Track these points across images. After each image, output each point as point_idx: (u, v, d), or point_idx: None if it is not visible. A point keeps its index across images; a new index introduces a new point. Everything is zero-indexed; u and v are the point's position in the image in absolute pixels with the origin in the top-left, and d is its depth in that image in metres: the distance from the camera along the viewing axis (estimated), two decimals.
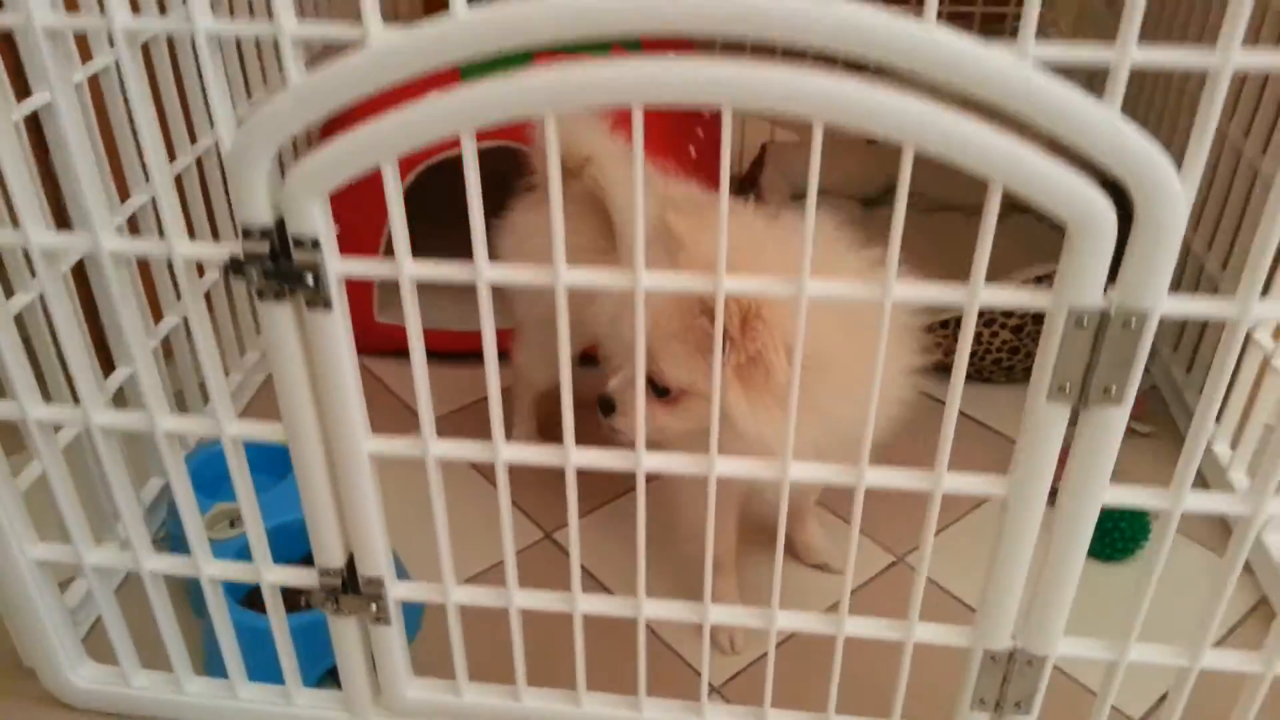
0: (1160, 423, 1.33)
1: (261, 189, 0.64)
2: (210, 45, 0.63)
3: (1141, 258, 0.59)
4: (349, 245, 1.30)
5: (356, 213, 1.40)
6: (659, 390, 0.91)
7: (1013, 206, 1.72)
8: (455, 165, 0.68)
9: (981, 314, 1.31)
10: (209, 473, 1.13)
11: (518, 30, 0.57)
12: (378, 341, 1.46)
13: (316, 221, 0.66)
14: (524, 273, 0.69)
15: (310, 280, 0.67)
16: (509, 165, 1.24)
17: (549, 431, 1.32)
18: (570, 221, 0.75)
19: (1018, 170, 0.59)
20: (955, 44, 0.54)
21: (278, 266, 0.67)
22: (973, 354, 1.39)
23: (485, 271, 0.66)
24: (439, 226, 1.45)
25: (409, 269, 0.68)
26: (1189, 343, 1.36)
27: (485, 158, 0.72)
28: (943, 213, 1.78)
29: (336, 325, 0.69)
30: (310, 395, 0.72)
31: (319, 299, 0.68)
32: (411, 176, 1.36)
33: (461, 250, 0.68)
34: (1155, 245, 0.59)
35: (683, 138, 1.44)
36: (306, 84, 0.60)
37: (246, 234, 0.66)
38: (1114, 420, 0.65)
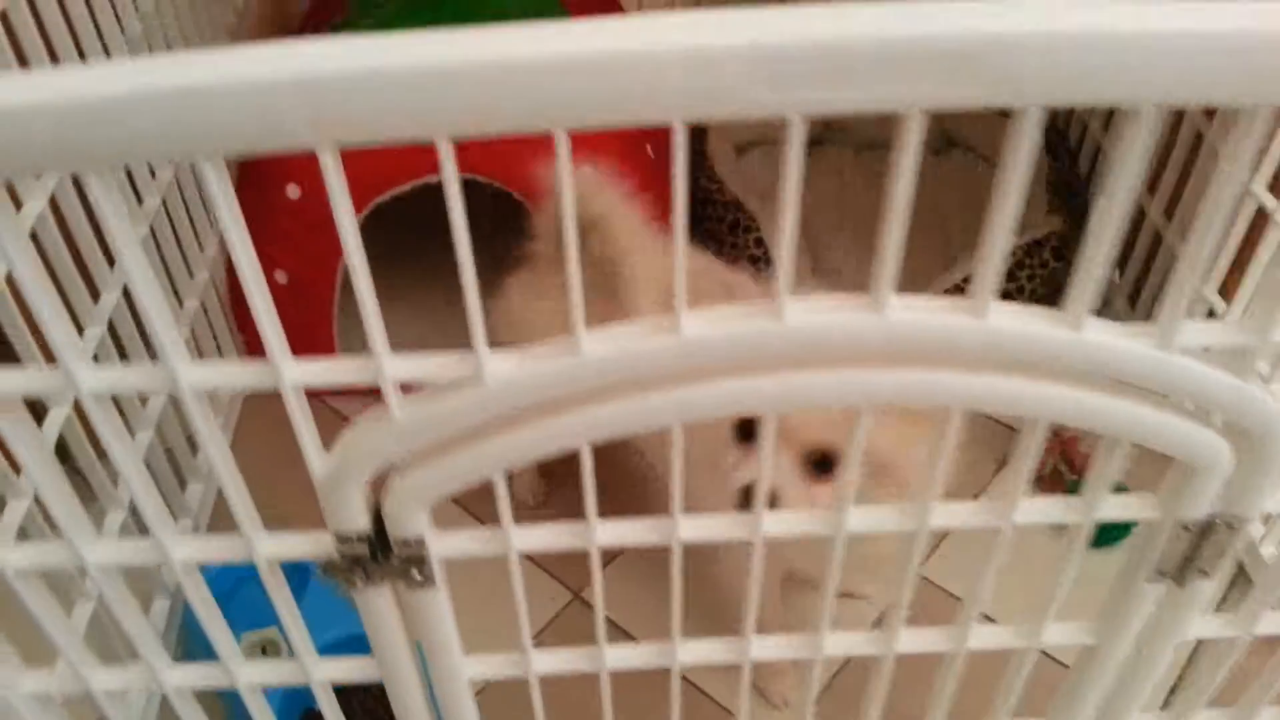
0: None
1: (358, 502, 0.60)
2: None
3: (1248, 481, 0.62)
4: (302, 294, 1.22)
5: (310, 265, 1.31)
6: (821, 466, 0.80)
7: (951, 142, 1.74)
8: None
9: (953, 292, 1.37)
10: (214, 592, 1.09)
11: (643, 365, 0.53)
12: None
13: (422, 525, 0.62)
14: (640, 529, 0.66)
15: (415, 572, 0.64)
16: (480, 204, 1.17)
17: (551, 468, 1.28)
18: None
19: (1142, 428, 0.60)
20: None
21: (378, 564, 0.63)
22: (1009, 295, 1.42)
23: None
24: (399, 257, 1.37)
25: (514, 541, 0.65)
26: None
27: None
28: (879, 149, 1.76)
29: (440, 599, 0.66)
30: (407, 646, 0.70)
31: (422, 584, 0.65)
32: (366, 211, 1.27)
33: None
34: (1262, 474, 0.61)
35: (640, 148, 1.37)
36: (410, 419, 0.56)
37: (342, 539, 0.62)
38: (1203, 588, 0.70)
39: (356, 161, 1.08)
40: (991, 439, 1.34)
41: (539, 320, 1.05)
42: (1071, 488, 1.24)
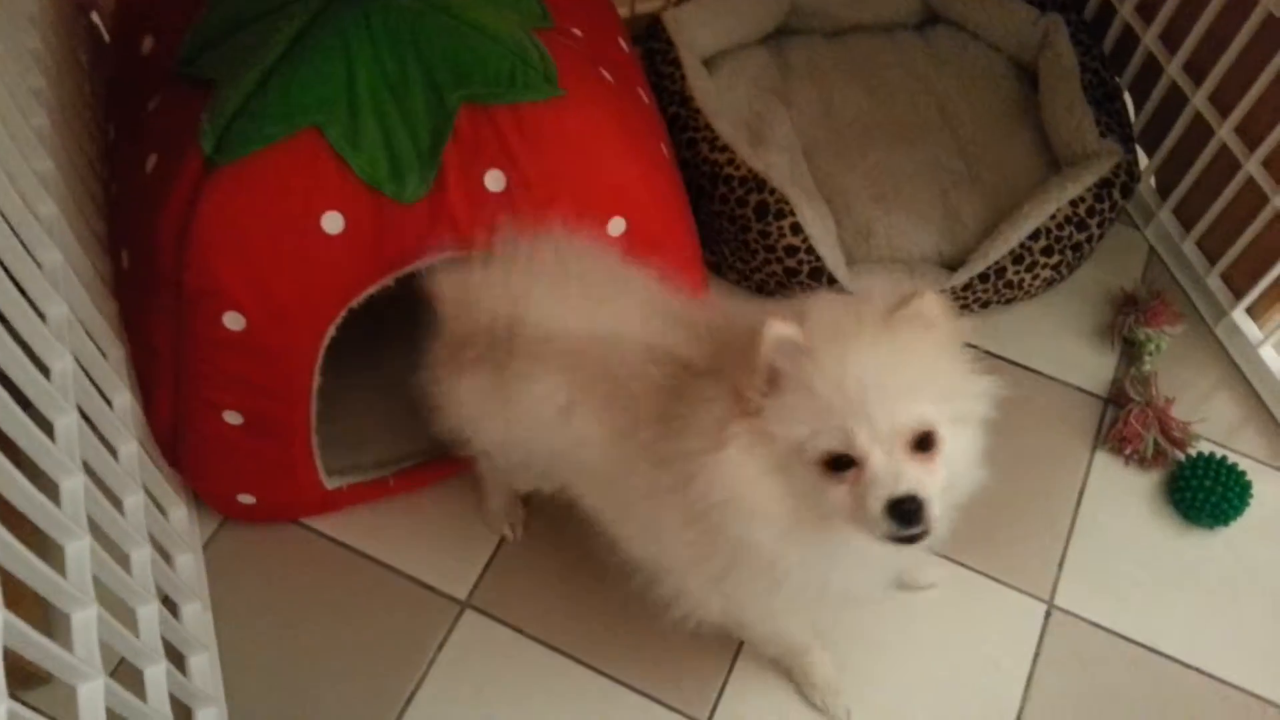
0: (1183, 310, 1.30)
1: None
2: None
3: None
4: (262, 429, 1.00)
5: (269, 398, 1.00)
6: (924, 444, 0.71)
7: (934, 17, 1.47)
8: None
9: (1019, 259, 1.20)
10: None
11: None
12: (329, 507, 1.12)
13: None
14: None
15: None
16: None
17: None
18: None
19: None
20: None
21: None
22: (1013, 298, 1.25)
23: None
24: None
25: None
26: (1190, 200, 1.30)
27: None
28: (857, 32, 1.50)
29: None
30: None
31: None
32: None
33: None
34: None
35: (655, 141, 1.06)
36: None
37: None
38: None
39: (319, 265, 0.89)
40: (1080, 417, 1.22)
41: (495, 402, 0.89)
42: (1187, 475, 1.15)
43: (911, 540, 0.71)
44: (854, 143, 1.36)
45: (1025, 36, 1.39)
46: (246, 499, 1.08)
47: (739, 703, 1.05)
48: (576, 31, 1.05)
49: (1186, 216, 1.32)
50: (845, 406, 0.69)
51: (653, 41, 1.34)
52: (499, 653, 1.08)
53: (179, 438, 1.03)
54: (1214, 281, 1.28)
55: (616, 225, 0.96)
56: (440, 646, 1.08)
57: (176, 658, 1.01)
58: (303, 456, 1.03)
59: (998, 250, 1.20)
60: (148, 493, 1.00)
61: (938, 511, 0.71)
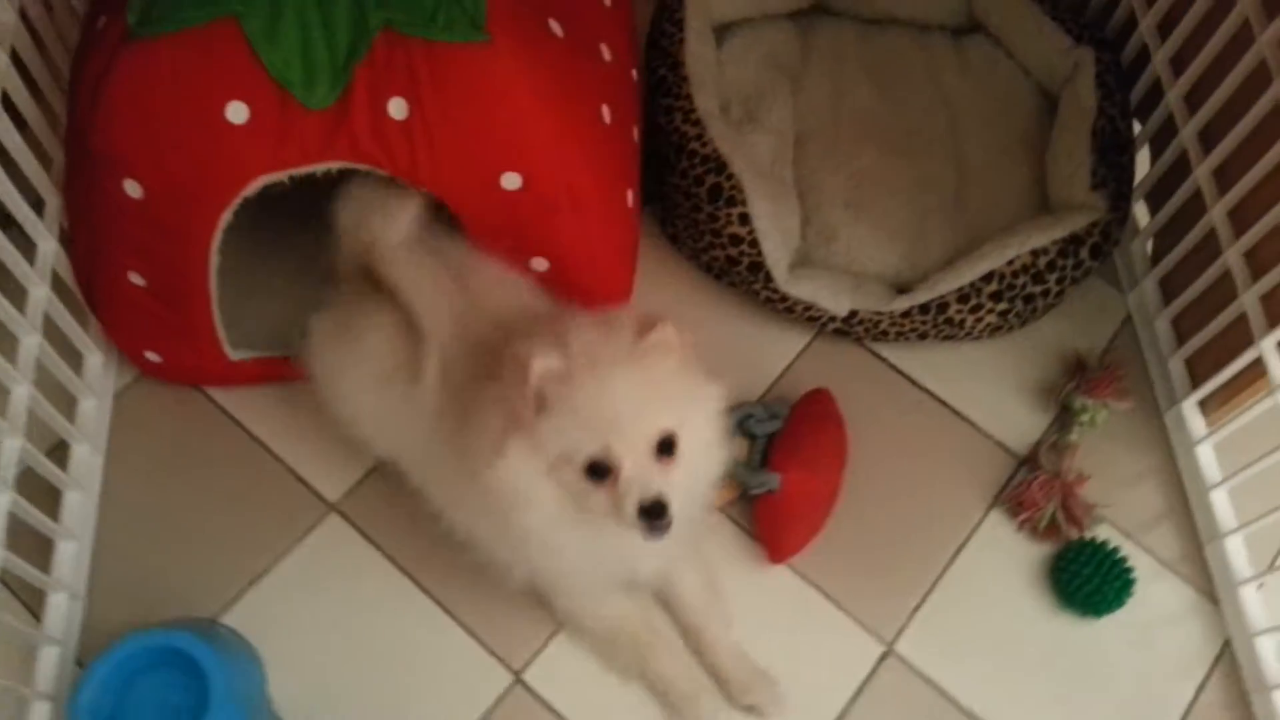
0: (1137, 387, 1.24)
1: None
2: None
3: None
4: (165, 295, 1.05)
5: (167, 271, 1.04)
6: (666, 447, 0.85)
7: (974, 25, 1.38)
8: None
9: (965, 298, 1.15)
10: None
11: None
12: (235, 377, 1.17)
13: None
14: None
15: None
16: None
17: None
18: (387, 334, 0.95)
19: None
20: None
21: None
22: (952, 336, 1.20)
23: None
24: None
25: None
26: (1176, 274, 1.22)
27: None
28: (891, 26, 1.43)
29: None
30: None
31: None
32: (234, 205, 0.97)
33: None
34: None
35: (594, 103, 1.05)
36: None
37: None
38: None
39: (218, 151, 0.92)
40: (989, 471, 1.18)
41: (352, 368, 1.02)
42: (1071, 556, 1.11)
43: (659, 530, 0.85)
44: (849, 141, 1.31)
45: (1055, 65, 1.31)
46: (153, 356, 1.13)
47: (555, 663, 1.07)
48: None
49: (1169, 290, 1.24)
50: (601, 424, 0.83)
51: None
52: (350, 561, 1.12)
53: (93, 288, 1.08)
54: (1175, 365, 1.21)
55: (511, 180, 0.96)
56: (299, 540, 1.13)
57: (54, 494, 1.08)
58: (203, 326, 1.08)
59: (945, 284, 1.15)
60: (60, 340, 1.08)
61: (678, 505, 0.85)
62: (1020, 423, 1.22)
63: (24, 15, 1.05)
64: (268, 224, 1.09)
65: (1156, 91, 1.23)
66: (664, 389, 0.84)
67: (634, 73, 1.18)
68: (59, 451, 1.10)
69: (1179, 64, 1.19)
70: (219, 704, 0.97)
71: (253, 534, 1.13)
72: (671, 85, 1.22)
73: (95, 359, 1.16)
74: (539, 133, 0.96)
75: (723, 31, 1.36)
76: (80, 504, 1.10)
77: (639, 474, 0.83)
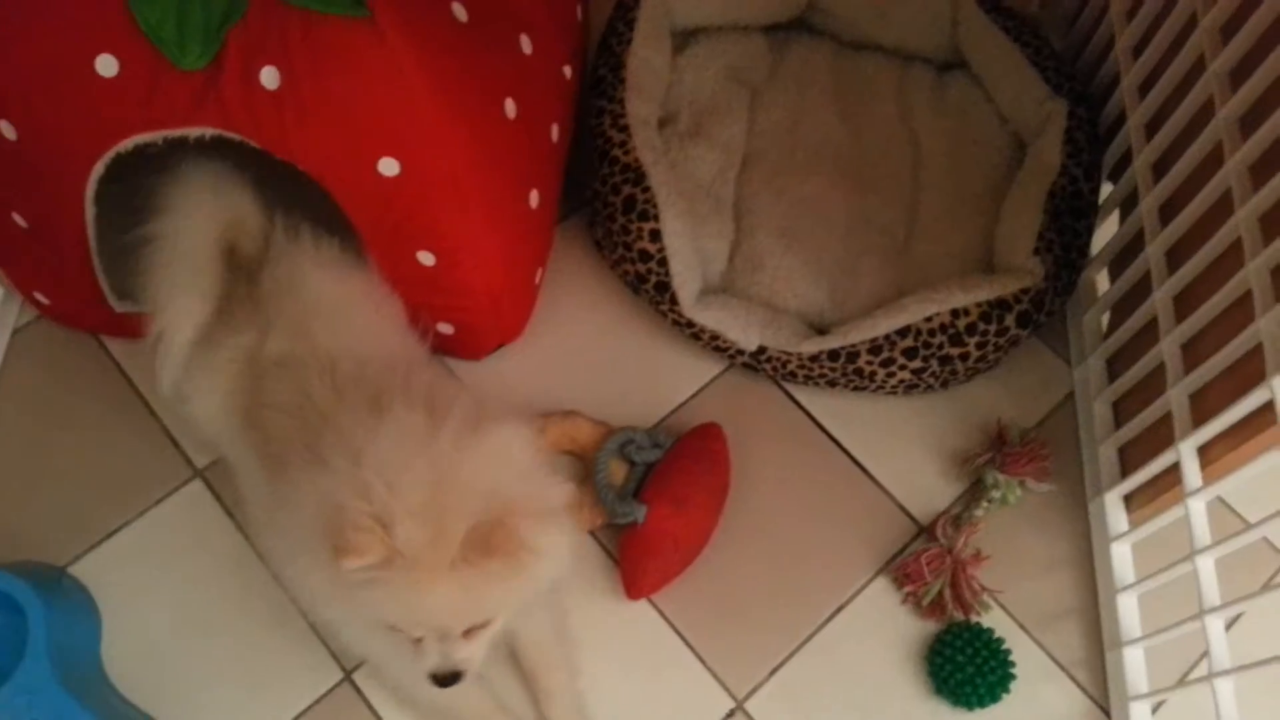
0: (1064, 472, 1.15)
1: None
2: None
3: None
4: (47, 238, 1.03)
5: (45, 211, 1.02)
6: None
7: (958, 61, 1.30)
8: None
9: (876, 349, 1.08)
10: None
11: None
12: (122, 329, 1.15)
13: None
14: None
15: None
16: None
17: None
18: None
19: None
20: None
21: None
22: (863, 388, 1.13)
23: None
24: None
25: None
26: (1122, 354, 1.13)
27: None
28: (870, 52, 1.36)
29: None
30: None
31: None
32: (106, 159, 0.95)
33: None
34: None
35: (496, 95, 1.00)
36: None
37: None
38: None
39: (85, 103, 0.89)
40: (885, 535, 1.11)
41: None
42: (949, 639, 1.03)
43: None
44: (799, 166, 1.24)
45: (1029, 113, 1.22)
46: (41, 298, 1.12)
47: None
48: None
49: (1115, 370, 1.15)
50: (410, 618, 0.78)
51: None
52: (204, 529, 1.10)
53: None
54: (1107, 452, 1.12)
55: (388, 165, 0.92)
56: (159, 501, 1.11)
57: None
58: (82, 275, 1.06)
59: (858, 334, 1.08)
60: None
61: (476, 668, 0.82)
62: (928, 489, 1.14)
63: None
64: (162, 171, 1.07)
65: (1130, 154, 1.14)
66: (486, 593, 0.77)
67: (566, 70, 1.13)
68: None
69: (1152, 129, 1.10)
70: (35, 653, 0.96)
71: (117, 488, 1.11)
72: (608, 87, 1.17)
73: None
74: (421, 119, 0.92)
75: (688, 37, 1.31)
76: None
77: (442, 648, 0.79)
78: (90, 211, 0.99)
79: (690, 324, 1.12)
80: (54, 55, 0.88)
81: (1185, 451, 0.96)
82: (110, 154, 0.93)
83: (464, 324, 1.09)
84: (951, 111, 1.29)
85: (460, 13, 0.96)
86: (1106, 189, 1.21)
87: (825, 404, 1.17)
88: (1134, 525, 1.08)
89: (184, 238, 0.93)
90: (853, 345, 1.08)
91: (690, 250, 1.11)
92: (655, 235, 1.09)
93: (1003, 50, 1.24)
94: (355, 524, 0.74)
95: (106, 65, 0.88)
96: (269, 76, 0.88)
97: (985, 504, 1.09)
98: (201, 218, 0.93)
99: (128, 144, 0.93)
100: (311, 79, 0.88)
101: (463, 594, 0.75)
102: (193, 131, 0.91)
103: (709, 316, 1.11)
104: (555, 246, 1.21)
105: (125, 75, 0.89)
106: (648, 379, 1.18)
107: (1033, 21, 1.28)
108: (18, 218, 1.02)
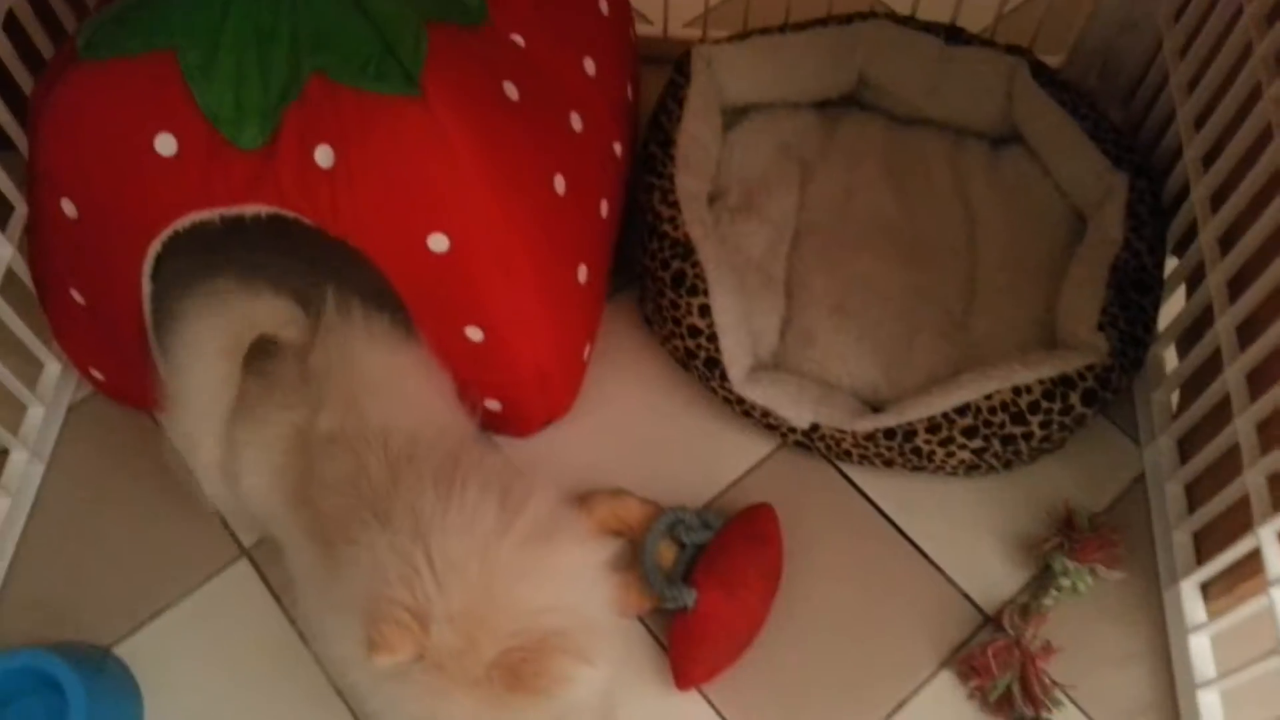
0: (1136, 559, 1.09)
1: None
2: None
3: None
4: (103, 317, 1.05)
5: (102, 291, 1.04)
6: None
7: (1013, 135, 1.28)
8: None
9: (935, 428, 1.04)
10: None
11: None
12: None
13: None
14: None
15: None
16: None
17: None
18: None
19: None
20: None
21: None
22: (922, 468, 1.09)
23: None
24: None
25: None
26: (1194, 435, 1.07)
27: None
28: (923, 126, 1.35)
29: None
30: None
31: None
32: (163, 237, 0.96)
33: None
34: None
35: (546, 171, 1.00)
36: None
37: None
38: None
39: (144, 182, 0.91)
40: (950, 625, 1.06)
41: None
42: None
43: None
44: (852, 243, 1.23)
45: (1088, 187, 1.19)
46: (97, 374, 1.13)
47: None
48: (517, 38, 1.00)
49: (1187, 451, 1.09)
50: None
51: (676, 73, 1.26)
52: (250, 610, 1.08)
53: (44, 299, 1.09)
54: (1181, 538, 1.06)
55: (438, 241, 0.92)
56: (205, 581, 1.10)
57: None
58: (137, 351, 1.06)
59: (914, 412, 1.04)
60: (17, 347, 1.09)
61: None
62: (992, 576, 1.09)
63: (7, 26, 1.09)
64: (217, 249, 1.09)
65: (1195, 228, 1.10)
66: (511, 714, 0.73)
67: (616, 146, 1.13)
68: None
69: (1217, 201, 1.07)
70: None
71: (165, 567, 1.11)
72: (658, 163, 1.17)
73: (54, 369, 1.18)
74: (470, 195, 0.92)
75: (738, 113, 1.31)
76: (6, 511, 1.10)
77: None
78: (146, 289, 1.00)
79: (740, 401, 1.09)
80: (115, 135, 0.90)
81: (1265, 537, 0.91)
82: (167, 232, 0.95)
83: (512, 400, 1.08)
84: (1008, 186, 1.27)
85: (511, 91, 0.97)
86: (1171, 263, 1.18)
87: (882, 485, 1.13)
88: (1213, 616, 1.01)
89: (198, 361, 0.93)
90: (910, 423, 1.04)
91: (740, 325, 1.10)
92: (705, 310, 1.08)
93: (1059, 123, 1.22)
94: (392, 618, 0.72)
95: (166, 144, 0.90)
96: (323, 155, 0.89)
97: (1054, 592, 1.04)
98: (213, 336, 0.92)
99: (184, 222, 0.94)
100: (364, 157, 0.89)
101: (487, 710, 0.73)
102: (248, 209, 0.93)
103: (760, 393, 1.09)
104: (604, 322, 1.20)
105: (184, 154, 0.90)
106: (697, 457, 1.15)
107: (1089, 94, 1.26)
108: (76, 294, 1.04)
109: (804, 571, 1.08)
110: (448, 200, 0.91)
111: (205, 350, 0.92)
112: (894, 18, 1.31)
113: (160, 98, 0.89)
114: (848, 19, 1.30)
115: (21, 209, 1.10)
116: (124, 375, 1.12)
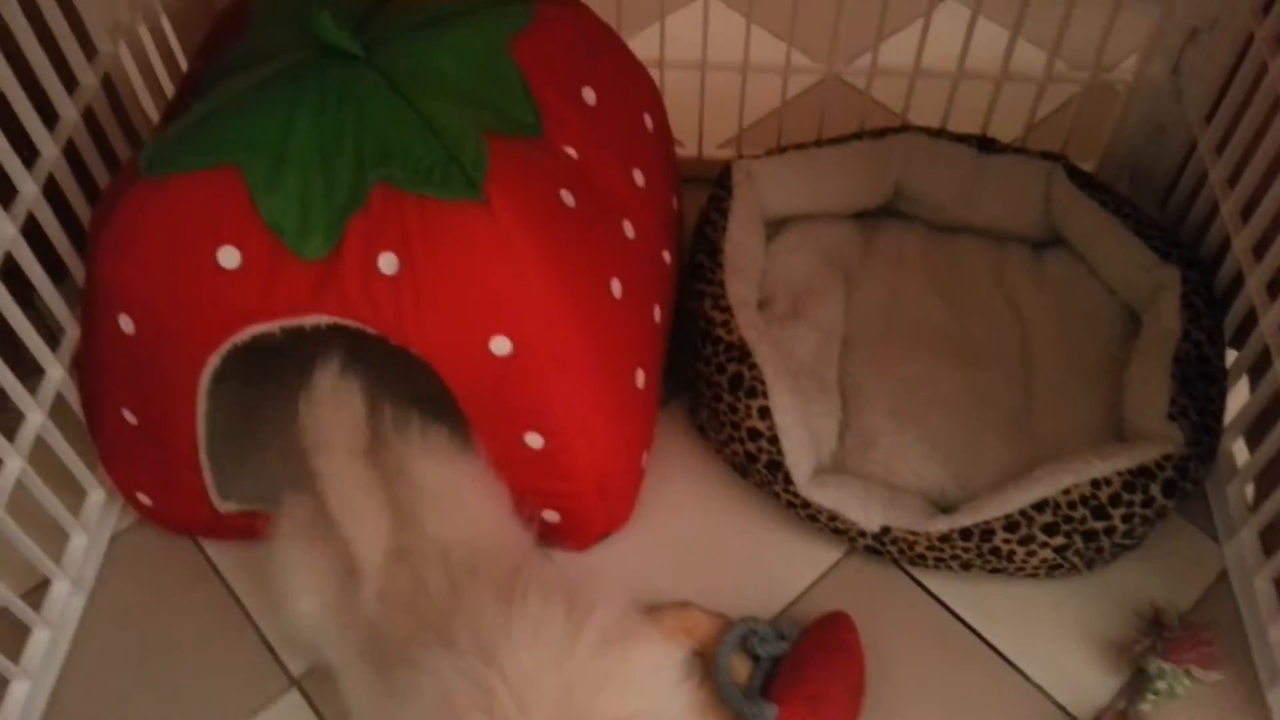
0: (1231, 658, 1.04)
1: None
2: None
3: None
4: (154, 436, 1.04)
5: (156, 408, 1.02)
6: None
7: (1056, 238, 1.30)
8: None
9: (1013, 526, 1.01)
10: None
11: None
12: (223, 529, 1.12)
13: None
14: None
15: None
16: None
17: None
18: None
19: None
20: None
21: None
22: (1002, 570, 1.05)
23: None
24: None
25: None
26: (1278, 525, 1.04)
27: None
28: (961, 234, 1.36)
29: None
30: None
31: None
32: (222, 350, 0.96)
33: None
34: None
35: (602, 275, 1.01)
36: None
37: None
38: None
39: (206, 294, 0.91)
40: None
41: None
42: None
43: None
44: (902, 346, 1.22)
45: (1138, 283, 1.19)
46: (145, 499, 1.11)
47: None
48: (570, 150, 1.02)
49: (1272, 543, 1.05)
50: None
51: (718, 187, 1.28)
52: None
53: (93, 423, 1.08)
54: (1278, 634, 1.01)
55: (500, 344, 0.91)
56: (254, 713, 1.04)
57: (23, 630, 1.05)
58: (190, 471, 1.05)
59: (990, 510, 1.01)
60: (62, 474, 1.07)
61: None
62: (1083, 681, 1.03)
63: (66, 152, 1.11)
64: (268, 373, 1.08)
65: (1252, 318, 1.09)
66: None
67: (666, 255, 1.14)
68: (39, 588, 1.08)
69: (1275, 289, 1.06)
70: None
71: (213, 700, 1.05)
72: (707, 270, 1.17)
73: (97, 496, 1.15)
74: (532, 297, 0.92)
75: (779, 225, 1.32)
76: (47, 643, 1.06)
77: None
78: (202, 406, 0.99)
79: (806, 504, 1.06)
80: (178, 249, 0.91)
81: None
82: (227, 346, 0.94)
83: (570, 510, 1.05)
84: (1054, 287, 1.27)
85: (568, 198, 0.98)
86: (1229, 356, 1.16)
87: (959, 590, 1.09)
88: None
89: (337, 453, 0.92)
90: (986, 522, 1.01)
91: (801, 426, 1.07)
92: (764, 412, 1.06)
93: (1101, 222, 1.23)
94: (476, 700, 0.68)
95: (229, 257, 0.90)
96: (387, 262, 0.90)
97: (1151, 696, 0.98)
98: (344, 429, 0.92)
99: (244, 335, 0.94)
100: (428, 262, 0.89)
101: None
102: (309, 320, 0.92)
103: (826, 495, 1.05)
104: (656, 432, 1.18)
105: (247, 266, 0.91)
106: (762, 567, 1.11)
107: (1125, 197, 1.28)
108: (128, 414, 1.02)
109: (886, 684, 1.02)
110: (511, 302, 0.91)
111: (337, 450, 0.91)
112: (926, 130, 1.34)
113: (224, 211, 0.90)
114: (880, 133, 1.33)
115: (72, 333, 1.10)
116: (173, 499, 1.09)
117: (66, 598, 1.09)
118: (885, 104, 1.53)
